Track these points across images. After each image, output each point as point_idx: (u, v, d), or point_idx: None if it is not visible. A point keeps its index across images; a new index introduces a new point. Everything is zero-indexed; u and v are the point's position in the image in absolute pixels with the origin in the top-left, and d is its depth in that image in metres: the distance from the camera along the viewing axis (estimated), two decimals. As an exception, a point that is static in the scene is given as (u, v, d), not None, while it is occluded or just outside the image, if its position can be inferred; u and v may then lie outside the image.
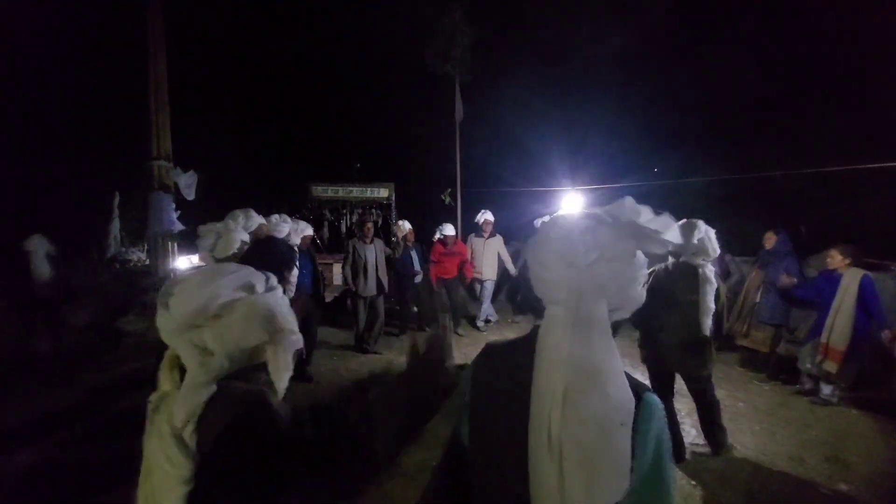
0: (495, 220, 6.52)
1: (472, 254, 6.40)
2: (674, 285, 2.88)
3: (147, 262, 8.41)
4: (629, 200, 0.90)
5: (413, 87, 11.77)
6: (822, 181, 7.65)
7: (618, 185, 8.41)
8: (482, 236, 6.42)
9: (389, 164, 11.31)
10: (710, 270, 2.88)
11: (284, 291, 1.27)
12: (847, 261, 3.97)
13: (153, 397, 0.96)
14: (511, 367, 0.94)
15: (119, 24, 8.30)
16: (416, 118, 11.98)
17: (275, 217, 4.09)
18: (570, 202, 7.11)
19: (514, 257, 6.54)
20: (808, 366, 4.10)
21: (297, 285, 4.32)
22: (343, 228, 8.95)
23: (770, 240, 4.70)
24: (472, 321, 6.70)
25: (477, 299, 6.67)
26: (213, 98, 12.19)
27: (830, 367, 3.89)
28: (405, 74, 11.83)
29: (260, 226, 2.98)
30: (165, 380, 0.97)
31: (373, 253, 5.38)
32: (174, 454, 0.88)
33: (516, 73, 11.56)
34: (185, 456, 0.88)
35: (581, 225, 0.88)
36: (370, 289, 5.33)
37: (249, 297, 0.98)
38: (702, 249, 2.88)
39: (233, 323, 0.95)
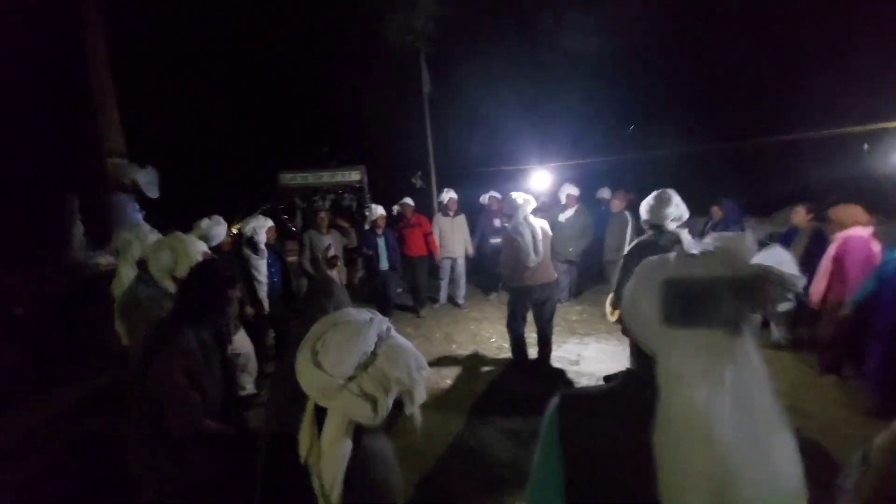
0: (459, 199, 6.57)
1: (440, 233, 6.39)
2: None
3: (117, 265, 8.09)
4: (749, 237, 0.80)
5: (379, 64, 11.40)
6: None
7: (587, 160, 8.47)
8: (448, 215, 6.42)
9: (360, 147, 11.03)
10: (687, 235, 3.07)
11: (243, 310, 1.31)
12: (809, 216, 4.30)
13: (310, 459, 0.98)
14: (616, 429, 0.81)
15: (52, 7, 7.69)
16: (384, 97, 11.66)
17: (205, 222, 3.84)
18: (539, 180, 7.10)
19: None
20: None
21: (268, 286, 4.21)
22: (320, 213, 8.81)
23: (717, 213, 4.99)
24: (433, 301, 6.76)
25: (440, 279, 6.68)
26: (169, 88, 11.56)
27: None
28: (370, 51, 11.43)
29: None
30: (307, 437, 0.98)
31: (332, 242, 5.24)
32: None
33: (483, 46, 11.31)
34: None
35: (710, 271, 0.76)
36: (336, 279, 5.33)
37: (388, 340, 1.01)
38: (679, 216, 3.07)
39: (383, 366, 0.96)
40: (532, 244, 3.84)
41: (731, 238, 0.81)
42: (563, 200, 6.40)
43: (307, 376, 0.96)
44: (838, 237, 3.64)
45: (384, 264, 5.83)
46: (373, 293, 6.17)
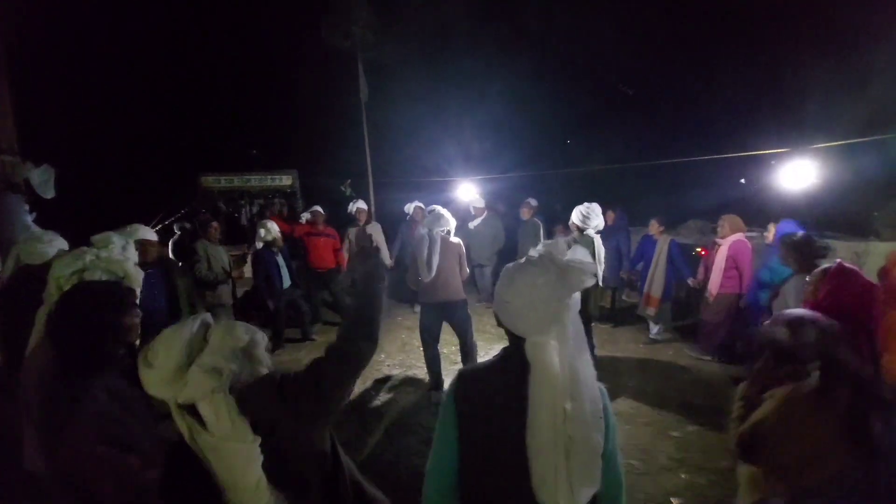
0: (370, 209, 6.68)
1: (349, 244, 6.14)
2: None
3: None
4: (561, 243, 1.16)
5: (315, 69, 11.16)
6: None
7: (515, 174, 8.90)
8: (358, 225, 6.25)
9: (293, 151, 10.70)
10: (598, 239, 4.11)
11: (128, 338, 1.31)
12: (661, 228, 5.11)
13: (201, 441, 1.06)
14: (498, 386, 1.11)
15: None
16: (319, 102, 11.44)
17: (48, 234, 2.79)
18: (464, 192, 7.38)
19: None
20: (639, 313, 5.32)
21: (148, 312, 3.47)
22: (244, 220, 8.39)
23: (610, 216, 5.65)
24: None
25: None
26: (73, 79, 10.46)
27: (650, 311, 5.06)
28: (305, 53, 11.16)
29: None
30: (184, 426, 1.06)
31: (225, 255, 4.93)
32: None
33: (420, 57, 11.48)
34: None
35: (542, 273, 1.09)
36: (229, 295, 4.96)
37: (217, 325, 1.15)
38: (597, 225, 4.09)
39: (217, 340, 1.10)
40: (427, 259, 3.75)
41: (551, 244, 1.16)
42: (472, 211, 6.95)
43: (147, 378, 1.06)
44: (728, 239, 4.34)
45: (287, 282, 5.37)
46: (274, 319, 5.33)
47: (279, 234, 5.24)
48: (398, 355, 5.20)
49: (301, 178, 8.44)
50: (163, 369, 1.04)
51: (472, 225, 6.84)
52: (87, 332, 1.40)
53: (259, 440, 1.07)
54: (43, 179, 5.90)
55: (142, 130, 12.02)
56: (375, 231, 6.39)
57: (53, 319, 1.44)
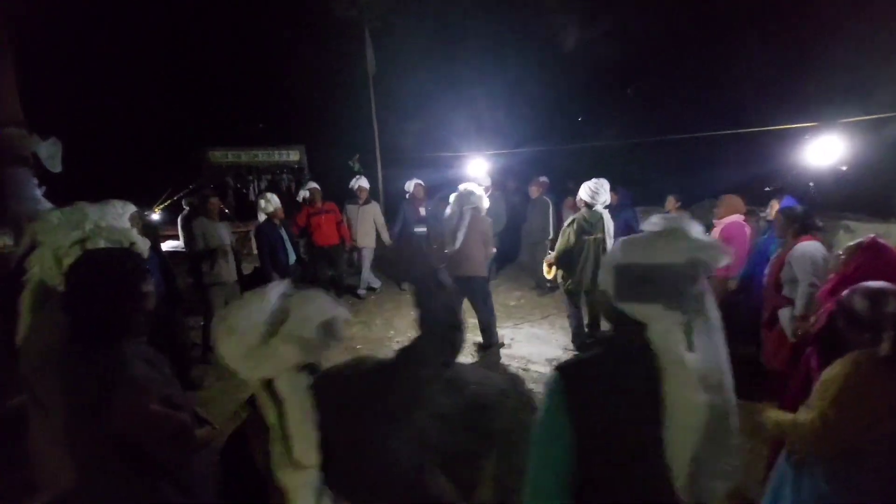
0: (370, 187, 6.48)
1: (347, 221, 6.14)
2: (594, 228, 4.18)
3: (14, 246, 7.22)
4: (685, 216, 1.07)
5: (321, 39, 10.86)
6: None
7: (527, 149, 8.70)
8: (356, 203, 6.19)
9: (299, 126, 10.51)
10: (607, 214, 4.26)
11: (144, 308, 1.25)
12: (677, 205, 5.16)
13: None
14: (617, 380, 0.99)
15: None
16: (326, 75, 11.16)
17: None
18: (475, 168, 7.17)
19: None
20: None
21: None
22: (252, 196, 8.33)
23: (612, 197, 5.44)
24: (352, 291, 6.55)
25: (354, 267, 6.59)
26: (80, 49, 10.28)
27: None
28: (311, 24, 10.85)
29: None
30: (270, 407, 1.00)
31: (225, 231, 4.58)
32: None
33: (429, 28, 11.12)
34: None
35: (675, 249, 0.98)
36: (232, 272, 4.53)
37: (294, 294, 1.10)
38: (605, 200, 4.21)
39: (298, 309, 1.04)
40: (453, 231, 3.98)
41: (673, 217, 1.04)
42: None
43: (227, 347, 0.99)
44: (723, 221, 4.16)
45: (292, 257, 5.25)
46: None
47: (279, 206, 5.12)
48: (409, 331, 5.20)
49: (308, 154, 8.33)
50: (247, 337, 0.97)
51: None
52: (112, 298, 1.34)
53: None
54: (51, 153, 5.86)
55: (148, 105, 11.90)
56: (374, 210, 6.31)
57: (73, 288, 1.35)
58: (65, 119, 6.87)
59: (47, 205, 5.88)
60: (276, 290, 1.06)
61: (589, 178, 4.33)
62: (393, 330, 5.25)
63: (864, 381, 1.43)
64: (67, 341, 1.34)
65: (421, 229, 6.64)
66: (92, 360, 1.27)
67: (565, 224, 4.33)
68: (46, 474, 1.47)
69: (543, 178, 7.16)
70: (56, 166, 5.83)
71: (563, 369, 1.06)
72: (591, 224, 4.19)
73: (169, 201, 7.55)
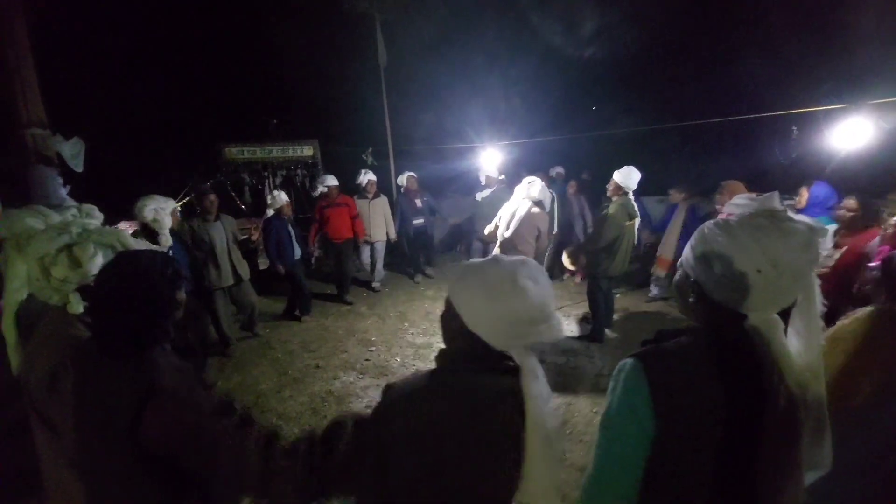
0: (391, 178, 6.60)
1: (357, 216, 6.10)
2: (632, 214, 4.26)
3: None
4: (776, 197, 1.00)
5: (331, 32, 10.83)
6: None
7: (541, 139, 8.57)
8: (366, 197, 6.18)
9: (311, 120, 10.53)
10: (634, 201, 4.34)
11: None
12: (682, 195, 5.27)
13: None
14: (706, 374, 0.92)
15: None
16: (337, 68, 11.14)
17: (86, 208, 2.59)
18: (488, 158, 7.07)
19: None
20: (651, 271, 5.61)
21: None
22: (267, 191, 8.42)
23: (675, 196, 5.51)
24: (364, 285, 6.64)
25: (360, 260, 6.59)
26: (97, 51, 10.47)
27: (660, 272, 5.35)
28: (321, 17, 10.82)
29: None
30: None
31: (220, 232, 4.31)
32: None
33: (440, 18, 10.97)
34: None
35: (786, 232, 0.91)
36: (225, 278, 4.30)
37: None
38: (634, 186, 4.28)
39: None
40: (508, 220, 4.24)
41: (766, 200, 0.99)
42: (483, 181, 6.54)
43: None
44: (724, 207, 4.00)
45: (297, 253, 5.28)
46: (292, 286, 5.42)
47: (287, 202, 5.18)
48: (422, 323, 5.23)
49: (322, 148, 8.36)
50: None
51: (479, 196, 6.49)
52: (149, 308, 1.24)
53: None
54: (74, 152, 6.01)
55: (167, 102, 12.10)
56: (382, 204, 6.31)
57: (107, 296, 1.24)
58: (85, 118, 7.01)
59: (73, 204, 6.07)
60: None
61: (605, 169, 4.43)
62: (407, 322, 5.29)
63: (883, 334, 1.46)
64: (87, 354, 1.24)
65: (419, 221, 6.64)
66: (122, 374, 1.18)
67: (609, 211, 4.24)
68: (57, 501, 1.32)
69: (560, 168, 7.12)
70: (79, 165, 5.98)
71: (642, 358, 0.97)
72: (630, 210, 4.25)
73: (188, 198, 7.69)
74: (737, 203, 1.01)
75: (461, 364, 1.03)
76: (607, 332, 4.73)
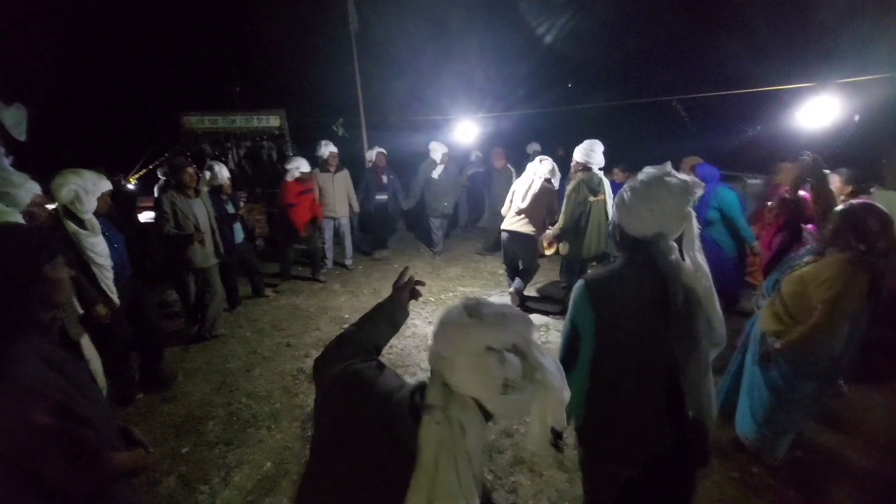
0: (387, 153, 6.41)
1: (319, 191, 5.85)
2: (598, 189, 4.17)
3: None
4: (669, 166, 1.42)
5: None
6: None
7: (515, 112, 8.45)
8: (328, 171, 5.88)
9: (278, 89, 10.00)
10: (603, 175, 4.23)
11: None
12: (626, 175, 5.27)
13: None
14: (633, 285, 1.36)
15: None
16: (306, 32, 10.57)
17: (19, 177, 2.70)
18: (463, 131, 6.94)
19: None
20: None
21: (114, 268, 3.14)
22: (231, 164, 8.03)
23: (618, 175, 5.60)
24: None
25: (322, 242, 6.20)
26: (45, 11, 9.53)
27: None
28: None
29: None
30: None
31: (202, 209, 4.07)
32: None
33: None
34: None
35: (671, 186, 1.35)
36: (208, 256, 4.12)
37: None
38: (600, 162, 4.16)
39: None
40: (524, 193, 4.37)
41: (659, 169, 1.40)
42: (438, 159, 6.47)
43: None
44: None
45: (240, 236, 4.98)
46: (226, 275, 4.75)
47: (227, 181, 4.76)
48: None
49: (289, 119, 7.97)
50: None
51: (435, 174, 6.44)
52: (6, 283, 1.12)
53: None
54: (15, 120, 5.53)
55: (121, 66, 11.23)
56: (344, 178, 6.06)
57: None
58: (31, 84, 6.45)
59: (17, 176, 5.63)
60: None
61: (577, 143, 4.24)
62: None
63: (857, 276, 2.02)
64: None
65: (382, 197, 6.50)
66: None
67: (567, 190, 4.22)
68: None
69: (536, 145, 7.08)
70: (21, 134, 5.50)
71: (586, 280, 1.42)
72: (593, 186, 4.13)
73: (144, 170, 7.23)
74: (645, 171, 1.41)
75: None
76: None
